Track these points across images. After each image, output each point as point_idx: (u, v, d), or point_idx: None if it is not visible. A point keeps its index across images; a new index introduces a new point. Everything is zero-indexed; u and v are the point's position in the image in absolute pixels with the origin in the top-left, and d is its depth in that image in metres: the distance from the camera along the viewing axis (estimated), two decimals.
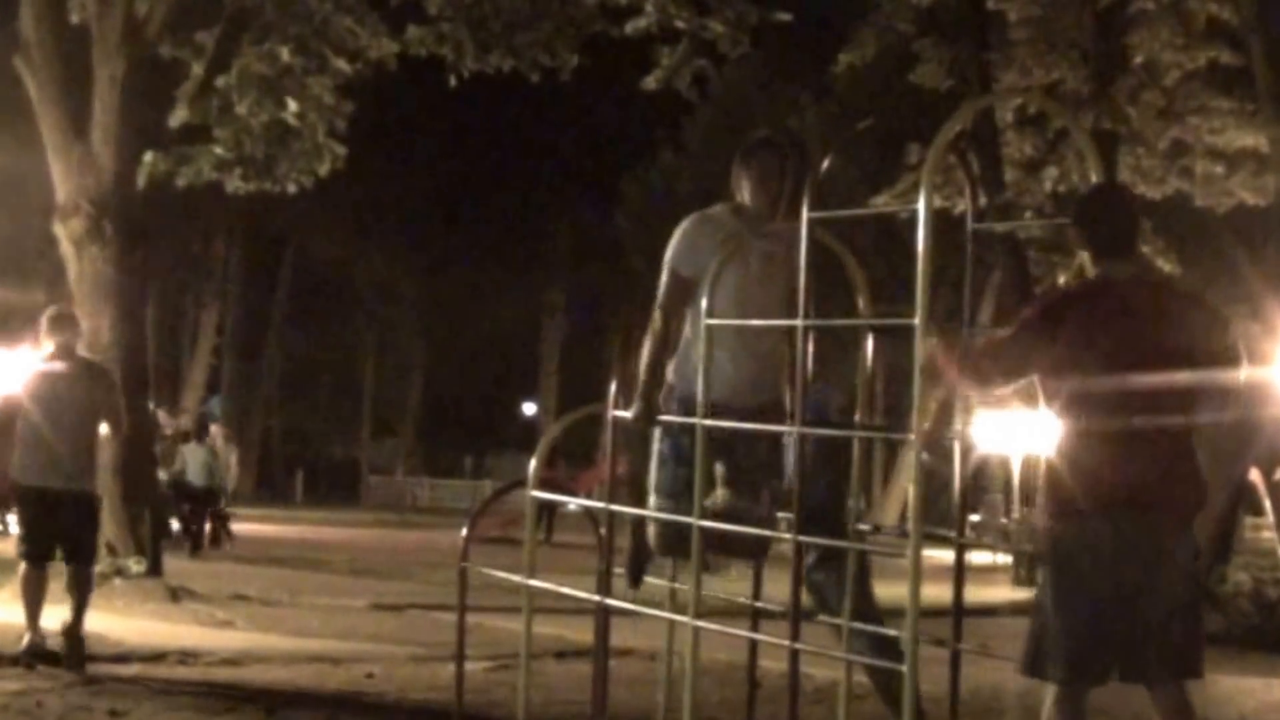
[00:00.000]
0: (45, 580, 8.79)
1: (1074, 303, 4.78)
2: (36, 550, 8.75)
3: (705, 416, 5.37)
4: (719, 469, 5.61)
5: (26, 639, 8.61)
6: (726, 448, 5.55)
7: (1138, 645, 4.57)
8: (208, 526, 21.27)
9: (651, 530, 5.80)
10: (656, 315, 5.76)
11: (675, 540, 5.62)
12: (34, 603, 8.69)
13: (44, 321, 8.98)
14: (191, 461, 21.93)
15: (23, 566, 8.83)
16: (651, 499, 5.78)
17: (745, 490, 5.67)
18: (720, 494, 5.64)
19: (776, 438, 5.66)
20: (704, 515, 5.37)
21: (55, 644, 8.57)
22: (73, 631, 8.56)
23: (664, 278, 5.77)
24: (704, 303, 5.50)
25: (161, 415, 22.98)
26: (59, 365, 8.79)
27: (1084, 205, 5.04)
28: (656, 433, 5.75)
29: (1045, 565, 4.69)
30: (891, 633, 5.43)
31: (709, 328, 5.44)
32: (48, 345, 8.87)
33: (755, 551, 5.84)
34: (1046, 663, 4.59)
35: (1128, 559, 4.53)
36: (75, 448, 8.70)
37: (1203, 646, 4.69)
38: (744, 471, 5.65)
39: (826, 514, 5.47)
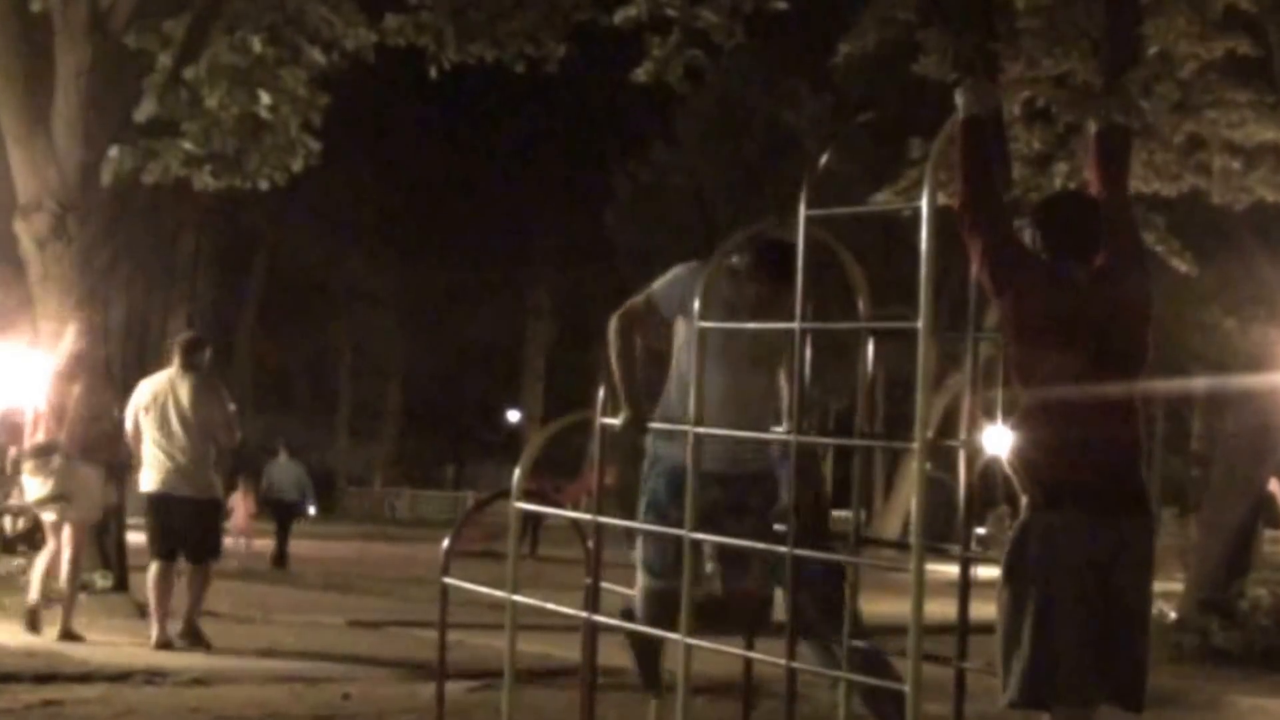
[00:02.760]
0: (172, 578, 10.04)
1: (1033, 265, 4.81)
2: (164, 550, 9.96)
3: (696, 481, 5.19)
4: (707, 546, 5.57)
5: (155, 633, 9.76)
6: (715, 523, 5.41)
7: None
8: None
9: (639, 606, 5.78)
10: (612, 324, 5.73)
11: (664, 618, 5.53)
12: (162, 599, 9.89)
13: (180, 343, 10.30)
14: (280, 476, 21.86)
15: (154, 565, 9.95)
16: (640, 578, 5.75)
17: (736, 565, 5.63)
18: (710, 569, 5.69)
19: (766, 511, 5.61)
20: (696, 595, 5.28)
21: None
22: (190, 619, 9.97)
23: (640, 296, 5.76)
24: (686, 359, 5.39)
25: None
26: (186, 383, 9.99)
27: (1046, 208, 5.11)
28: (640, 509, 5.72)
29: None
30: (860, 644, 5.28)
31: (698, 384, 5.25)
32: (179, 363, 10.06)
33: (753, 624, 5.73)
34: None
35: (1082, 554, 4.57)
36: (200, 458, 9.95)
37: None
38: (734, 546, 5.54)
39: (811, 532, 5.28)
